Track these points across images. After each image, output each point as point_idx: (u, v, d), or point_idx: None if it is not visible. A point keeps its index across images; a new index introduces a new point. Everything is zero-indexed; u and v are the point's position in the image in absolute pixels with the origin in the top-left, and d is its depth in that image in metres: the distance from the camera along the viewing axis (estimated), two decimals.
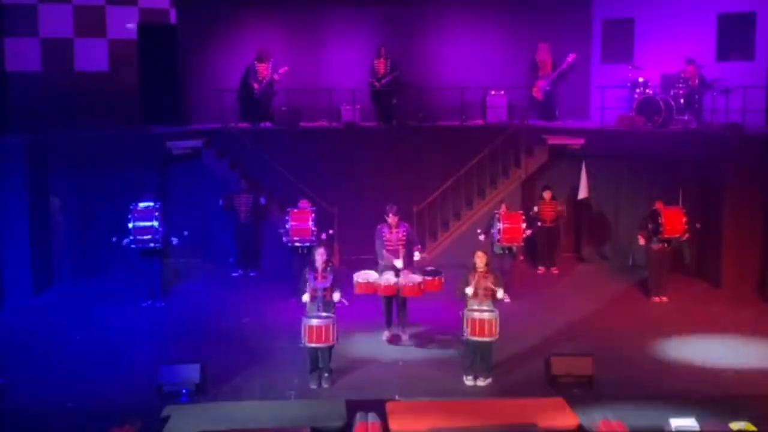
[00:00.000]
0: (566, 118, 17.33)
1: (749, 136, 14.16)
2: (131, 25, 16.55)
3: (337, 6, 17.63)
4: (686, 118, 15.73)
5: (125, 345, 11.80)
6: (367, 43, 17.44)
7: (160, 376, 9.99)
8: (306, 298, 10.40)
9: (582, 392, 9.95)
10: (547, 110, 17.29)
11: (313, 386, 10.30)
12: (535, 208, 15.17)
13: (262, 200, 15.20)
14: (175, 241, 13.35)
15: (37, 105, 15.53)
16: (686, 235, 13.42)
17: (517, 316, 12.56)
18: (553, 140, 16.04)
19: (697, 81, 15.57)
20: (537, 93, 17.16)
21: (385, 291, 11.53)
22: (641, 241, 13.65)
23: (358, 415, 8.84)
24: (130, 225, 13.01)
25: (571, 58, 16.82)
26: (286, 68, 16.67)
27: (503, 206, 13.85)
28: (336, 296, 10.46)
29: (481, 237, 13.46)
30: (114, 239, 13.16)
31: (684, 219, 13.32)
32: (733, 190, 14.03)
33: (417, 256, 11.81)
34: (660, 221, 13.27)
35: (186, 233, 13.49)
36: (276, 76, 16.65)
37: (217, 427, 8.65)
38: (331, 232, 13.76)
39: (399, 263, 11.66)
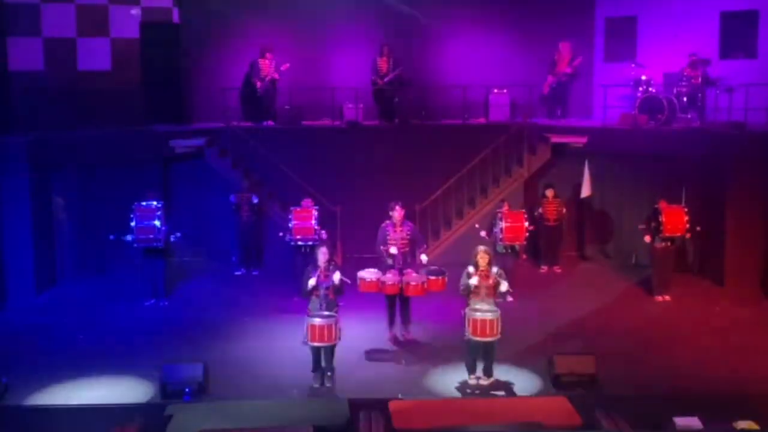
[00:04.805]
0: (569, 116, 17.35)
1: (752, 134, 14.14)
2: (135, 12, 16.51)
3: (340, 4, 17.62)
4: (689, 116, 15.70)
5: (128, 344, 11.80)
6: (370, 41, 17.43)
7: (163, 375, 9.99)
8: (312, 282, 10.35)
9: (585, 391, 9.95)
10: (552, 107, 17.32)
11: (316, 385, 10.30)
12: (540, 210, 15.17)
13: (254, 198, 15.20)
14: (173, 237, 13.36)
15: (40, 104, 15.51)
16: (688, 234, 13.42)
17: (519, 315, 12.55)
18: (555, 139, 16.04)
19: (700, 78, 15.56)
20: (545, 88, 17.21)
21: (388, 290, 11.53)
22: (647, 239, 13.64)
23: (361, 414, 8.84)
24: (133, 224, 13.04)
25: (577, 61, 16.88)
26: (288, 65, 16.69)
27: (505, 205, 13.83)
28: (336, 276, 10.40)
29: (482, 233, 13.44)
30: (112, 237, 13.17)
31: (685, 218, 13.32)
32: (736, 188, 14.01)
33: (424, 259, 11.79)
34: (661, 219, 13.28)
35: (179, 234, 13.46)
36: (277, 74, 16.66)
37: (219, 425, 8.65)
38: (323, 230, 13.70)
39: (393, 250, 11.62)
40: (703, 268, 14.79)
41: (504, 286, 10.32)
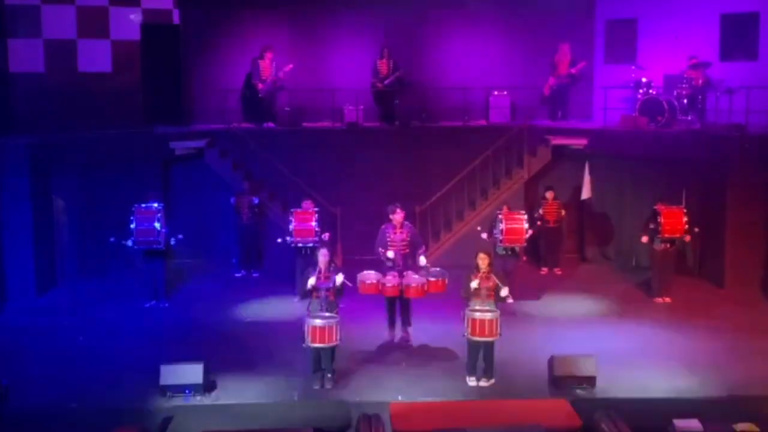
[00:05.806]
0: (570, 118, 17.35)
1: (752, 137, 14.13)
2: (135, 17, 16.50)
3: (340, 6, 17.65)
4: (689, 118, 15.71)
5: (128, 345, 11.80)
6: (370, 43, 17.46)
7: (163, 376, 9.99)
8: (312, 281, 10.37)
9: (585, 393, 9.95)
10: (552, 108, 17.35)
11: (316, 387, 10.30)
12: (540, 211, 15.19)
13: (255, 200, 15.21)
14: (173, 241, 13.36)
15: (41, 106, 15.53)
16: (687, 237, 13.42)
17: (519, 316, 12.57)
18: (556, 140, 16.05)
19: (700, 80, 15.57)
20: (546, 89, 17.22)
21: (388, 291, 11.53)
22: (644, 239, 13.64)
23: (361, 416, 8.84)
24: (133, 226, 13.04)
25: (581, 65, 16.88)
26: (291, 66, 16.68)
27: (505, 207, 13.84)
28: (339, 278, 10.43)
29: (483, 235, 13.46)
30: (112, 239, 13.18)
31: (684, 219, 13.32)
32: (736, 190, 14.01)
33: (423, 261, 11.80)
34: (659, 221, 13.28)
35: (180, 236, 13.43)
36: (281, 74, 16.68)
37: (219, 427, 8.67)
38: (327, 235, 13.68)
39: (390, 254, 11.65)
40: (704, 270, 14.78)
41: (504, 292, 10.45)
